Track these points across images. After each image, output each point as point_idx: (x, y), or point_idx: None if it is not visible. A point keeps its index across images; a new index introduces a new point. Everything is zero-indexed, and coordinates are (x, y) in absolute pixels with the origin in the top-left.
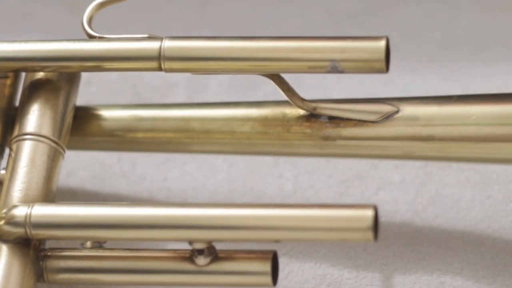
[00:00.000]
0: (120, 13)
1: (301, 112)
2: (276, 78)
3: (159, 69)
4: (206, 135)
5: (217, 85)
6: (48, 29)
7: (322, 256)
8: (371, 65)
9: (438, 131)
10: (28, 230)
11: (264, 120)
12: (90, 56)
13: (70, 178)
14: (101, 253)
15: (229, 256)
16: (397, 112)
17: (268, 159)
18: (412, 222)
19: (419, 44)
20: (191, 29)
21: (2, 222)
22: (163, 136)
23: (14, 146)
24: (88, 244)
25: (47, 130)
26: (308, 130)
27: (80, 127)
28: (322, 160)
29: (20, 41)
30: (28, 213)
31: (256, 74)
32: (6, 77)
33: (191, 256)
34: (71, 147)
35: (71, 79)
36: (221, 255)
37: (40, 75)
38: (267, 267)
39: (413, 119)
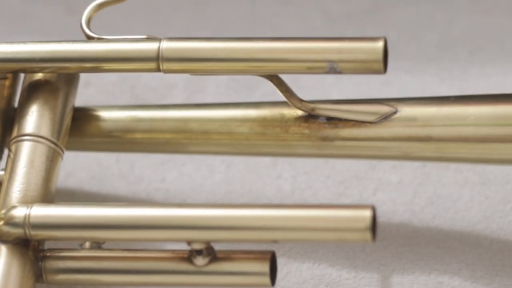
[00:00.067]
0: (118, 14)
1: (299, 112)
2: (274, 79)
3: (158, 70)
4: (204, 135)
5: (215, 86)
6: (47, 30)
7: (320, 256)
8: (369, 66)
9: (436, 131)
10: (27, 231)
11: (262, 121)
12: (88, 57)
13: (68, 179)
14: (99, 253)
15: (228, 256)
16: (395, 112)
17: (266, 159)
18: (410, 223)
19: (417, 45)
20: (189, 30)
21: (1, 222)
22: (161, 137)
23: (13, 147)
24: (87, 244)
25: (45, 131)
26: (306, 131)
27: (79, 128)
28: (320, 161)
29: (19, 42)
30: (27, 213)
31: (254, 75)
32: (5, 78)
33: (189, 257)
34: (70, 148)
35: (69, 80)
36: (219, 255)
37: (39, 76)
38: (265, 267)
39: (411, 119)
